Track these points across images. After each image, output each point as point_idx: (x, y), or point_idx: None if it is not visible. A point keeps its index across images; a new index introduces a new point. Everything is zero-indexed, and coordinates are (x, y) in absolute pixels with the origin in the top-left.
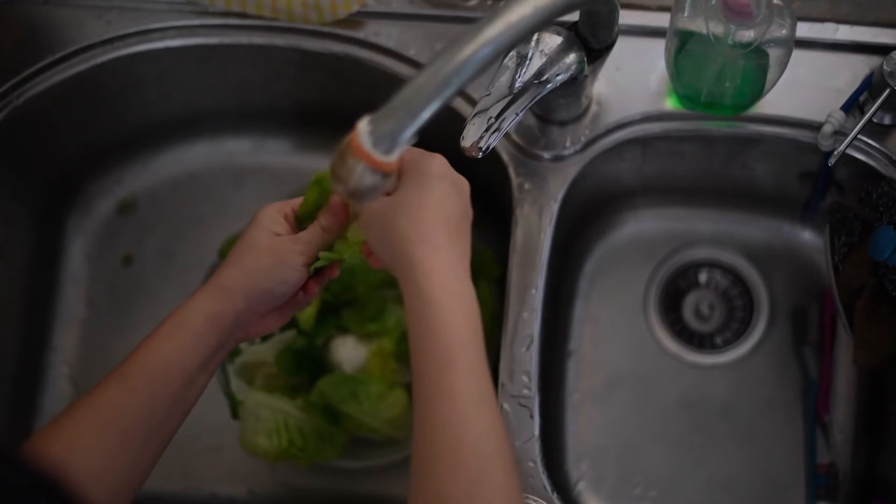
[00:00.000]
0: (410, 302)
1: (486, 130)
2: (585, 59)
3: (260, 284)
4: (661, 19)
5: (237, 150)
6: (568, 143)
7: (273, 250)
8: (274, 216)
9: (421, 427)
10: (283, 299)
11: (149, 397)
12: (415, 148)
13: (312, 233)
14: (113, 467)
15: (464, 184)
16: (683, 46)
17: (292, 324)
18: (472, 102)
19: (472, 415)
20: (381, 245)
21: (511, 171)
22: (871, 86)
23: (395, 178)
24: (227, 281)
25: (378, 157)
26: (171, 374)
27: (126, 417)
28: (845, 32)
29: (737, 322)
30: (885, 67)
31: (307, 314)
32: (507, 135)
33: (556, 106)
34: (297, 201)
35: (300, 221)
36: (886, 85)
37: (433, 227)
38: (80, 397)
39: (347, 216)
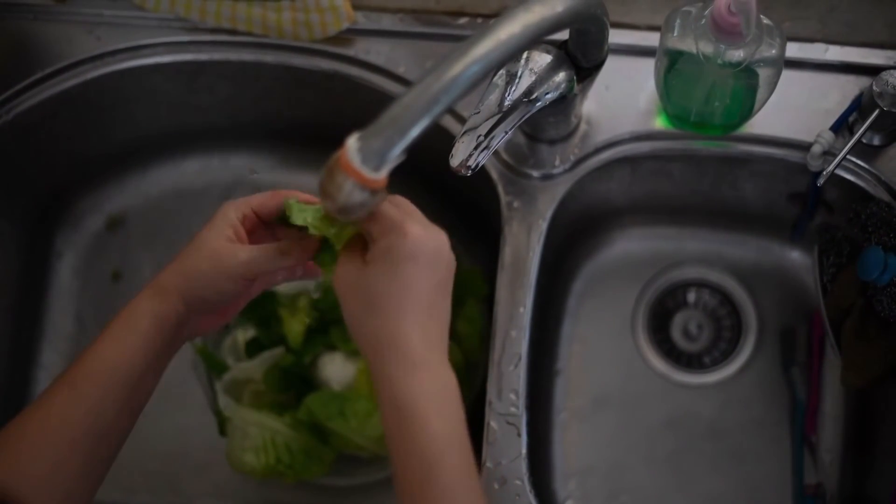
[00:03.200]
0: (384, 406)
1: (476, 148)
2: (575, 77)
3: (194, 290)
4: (651, 38)
5: (226, 166)
6: (557, 162)
7: (214, 257)
8: (230, 218)
9: None
10: (220, 306)
11: (97, 402)
12: (391, 216)
13: (265, 251)
14: (62, 475)
15: (439, 250)
16: (673, 66)
17: (281, 341)
18: (462, 120)
19: None
20: (355, 324)
21: (500, 190)
22: (860, 106)
23: (384, 195)
24: (166, 282)
25: (367, 173)
26: (117, 378)
27: (73, 426)
28: (835, 53)
29: (725, 342)
30: (874, 88)
31: (296, 332)
32: (496, 153)
33: (545, 124)
34: (258, 199)
35: (265, 223)
36: (876, 105)
37: (420, 312)
38: (28, 406)
39: (313, 254)
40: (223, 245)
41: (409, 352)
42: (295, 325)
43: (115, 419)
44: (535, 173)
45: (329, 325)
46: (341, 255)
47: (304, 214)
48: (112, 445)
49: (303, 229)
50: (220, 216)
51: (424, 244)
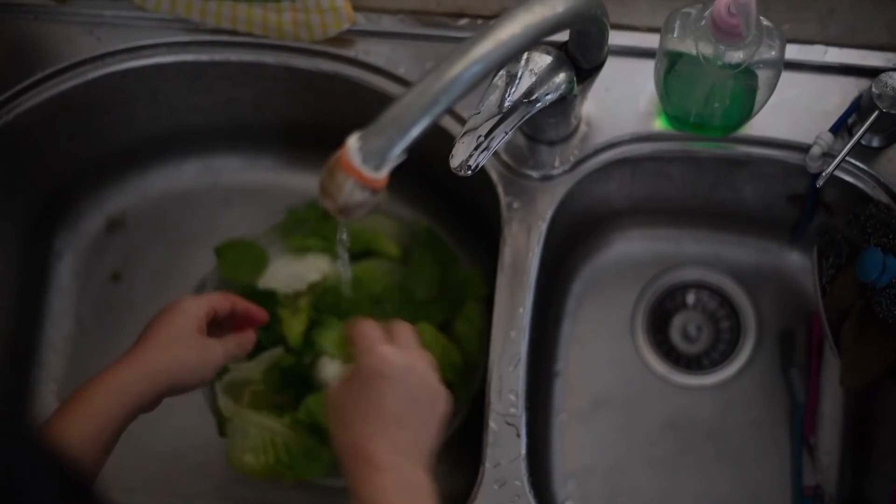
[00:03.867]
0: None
1: (476, 149)
2: (575, 78)
3: (183, 377)
4: (651, 40)
5: (226, 168)
6: (557, 163)
7: (200, 349)
8: (199, 314)
9: None
10: (191, 390)
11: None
12: (368, 337)
13: (232, 343)
14: None
15: (409, 372)
16: (673, 67)
17: (280, 341)
18: (462, 121)
19: None
20: (333, 436)
21: (500, 190)
22: (859, 108)
23: (384, 195)
24: (156, 366)
25: (367, 173)
26: (93, 444)
27: None
28: (834, 55)
29: (724, 344)
30: (873, 90)
31: (295, 332)
32: (496, 154)
33: (545, 125)
34: (215, 300)
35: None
36: (875, 107)
37: (371, 424)
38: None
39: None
40: (202, 339)
41: (372, 458)
42: (295, 326)
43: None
44: (535, 174)
45: (327, 329)
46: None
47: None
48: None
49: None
50: (192, 307)
51: (393, 363)
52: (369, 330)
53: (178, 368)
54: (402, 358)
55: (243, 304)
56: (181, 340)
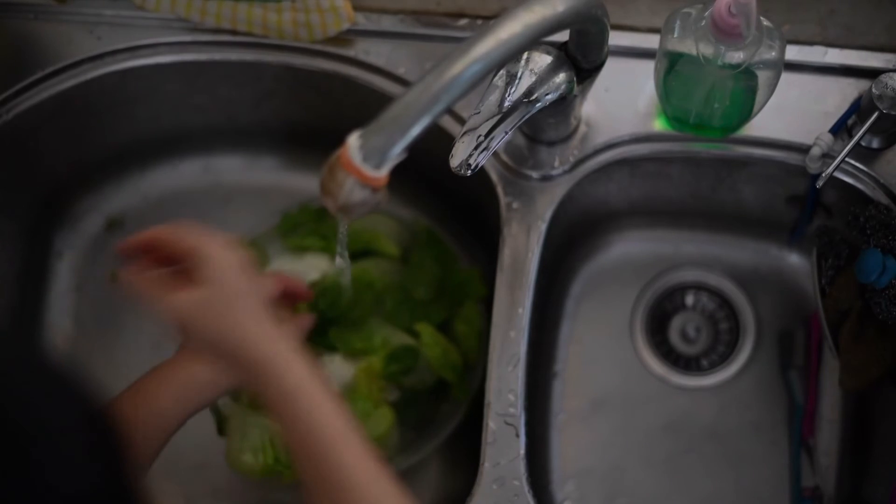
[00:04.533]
0: (272, 400)
1: (475, 149)
2: (575, 78)
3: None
4: (651, 40)
5: (226, 168)
6: (556, 163)
7: None
8: None
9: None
10: None
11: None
12: (188, 243)
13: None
14: None
15: (240, 258)
16: (673, 67)
17: None
18: (461, 121)
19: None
20: (209, 347)
21: (499, 191)
22: (859, 109)
23: (385, 194)
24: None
25: (368, 171)
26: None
27: None
28: (834, 56)
29: (723, 345)
30: (873, 91)
31: None
32: (495, 154)
33: (545, 126)
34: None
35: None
36: (875, 108)
37: (262, 320)
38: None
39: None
40: None
41: (279, 349)
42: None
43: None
44: (535, 174)
45: (328, 325)
46: (162, 294)
47: None
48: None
49: None
50: None
51: (231, 262)
52: (188, 236)
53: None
54: (225, 249)
55: (286, 281)
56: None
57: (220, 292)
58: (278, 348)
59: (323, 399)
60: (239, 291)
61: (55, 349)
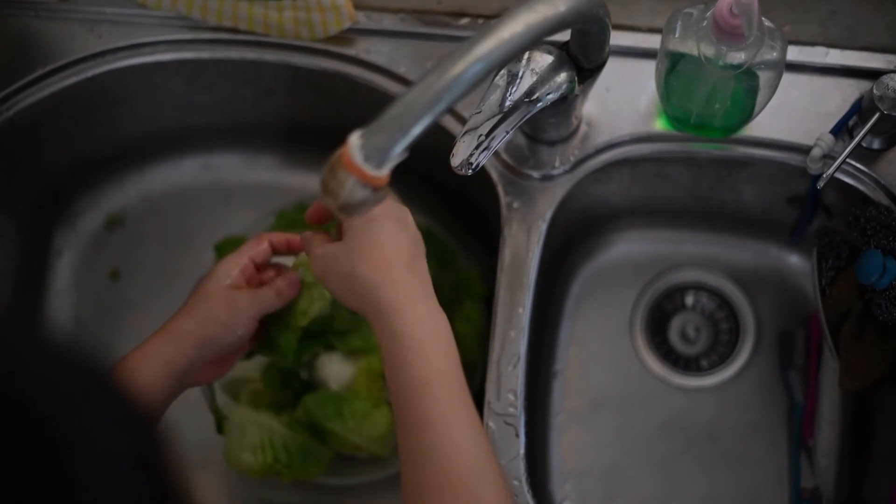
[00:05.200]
0: (384, 341)
1: (476, 148)
2: (576, 78)
3: (210, 334)
4: (652, 40)
5: (226, 166)
6: (557, 163)
7: (226, 302)
8: (230, 269)
9: (407, 458)
10: (230, 350)
11: None
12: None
13: (267, 293)
14: None
15: (405, 214)
16: (674, 67)
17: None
18: (462, 121)
19: (456, 438)
20: (345, 292)
21: (500, 190)
22: (860, 110)
23: (386, 193)
24: (180, 328)
25: (369, 171)
26: None
27: None
28: (835, 56)
29: (723, 345)
30: (874, 92)
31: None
32: (496, 153)
33: (545, 125)
34: (250, 249)
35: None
36: (876, 109)
37: (391, 267)
38: None
39: (301, 288)
40: (232, 292)
41: (402, 286)
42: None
43: None
44: (535, 174)
45: (325, 334)
46: (313, 245)
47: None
48: None
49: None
50: (222, 268)
51: (391, 205)
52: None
53: (202, 329)
54: (394, 206)
55: (279, 239)
56: (207, 300)
57: (355, 242)
58: (398, 293)
59: (429, 344)
60: (375, 241)
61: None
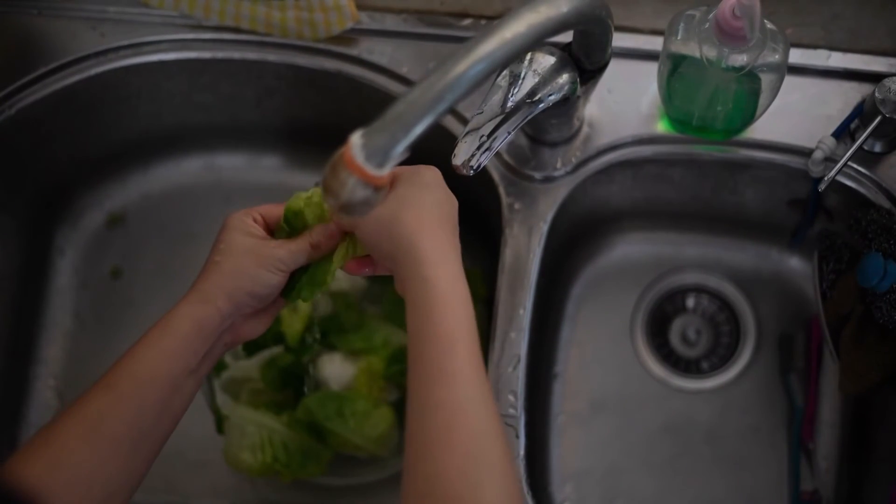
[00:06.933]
0: (413, 288)
1: (478, 149)
2: (578, 79)
3: (242, 286)
4: (654, 42)
5: (228, 165)
6: (559, 165)
7: (252, 252)
8: (245, 220)
9: (416, 410)
10: (266, 301)
11: (136, 404)
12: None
13: (299, 244)
14: (104, 474)
15: (454, 199)
16: (676, 69)
17: (280, 340)
18: (464, 121)
19: (469, 396)
20: (381, 237)
21: (501, 191)
22: (862, 113)
23: (388, 189)
24: (208, 285)
25: (370, 170)
26: (157, 381)
27: (114, 424)
28: (838, 59)
29: (723, 348)
30: (876, 95)
31: (294, 330)
32: (497, 154)
33: (547, 126)
34: (263, 208)
35: (272, 232)
36: (878, 112)
37: (435, 222)
38: (67, 407)
39: (338, 242)
40: (258, 242)
41: (441, 243)
42: (294, 324)
43: (156, 421)
44: (537, 175)
45: (327, 333)
46: None
47: (299, 201)
48: (153, 446)
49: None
50: (238, 220)
51: (445, 185)
52: None
53: (231, 282)
54: (432, 171)
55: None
56: (231, 253)
57: (406, 189)
58: (436, 245)
59: (459, 301)
60: (426, 194)
61: (54, 348)
